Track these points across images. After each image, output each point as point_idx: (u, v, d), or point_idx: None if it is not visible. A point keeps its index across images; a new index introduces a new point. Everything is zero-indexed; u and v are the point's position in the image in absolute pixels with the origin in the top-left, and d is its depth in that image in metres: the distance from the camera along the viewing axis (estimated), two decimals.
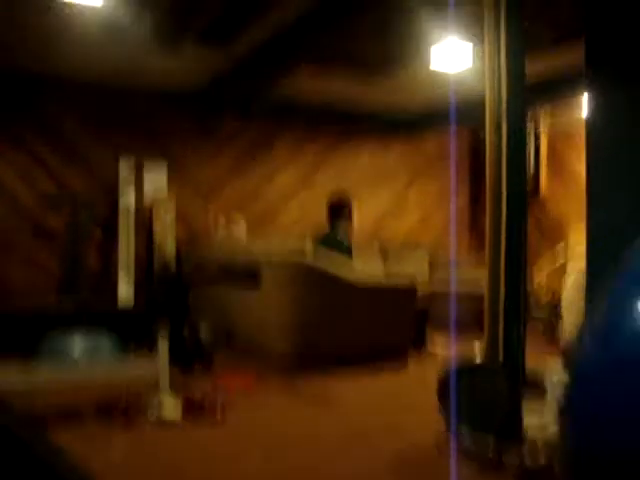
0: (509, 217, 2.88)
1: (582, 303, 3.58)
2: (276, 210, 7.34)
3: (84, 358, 4.05)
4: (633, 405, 1.30)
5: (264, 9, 4.48)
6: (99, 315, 4.53)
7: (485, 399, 2.81)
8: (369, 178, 7.89)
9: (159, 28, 4.69)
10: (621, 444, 1.30)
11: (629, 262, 1.57)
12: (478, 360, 2.95)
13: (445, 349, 5.22)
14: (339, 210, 5.33)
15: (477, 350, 3.05)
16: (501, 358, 2.83)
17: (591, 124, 3.49)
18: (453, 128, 7.46)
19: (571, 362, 1.56)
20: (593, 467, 1.38)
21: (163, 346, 3.46)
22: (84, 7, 4.34)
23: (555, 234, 7.49)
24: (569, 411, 1.53)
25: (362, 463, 2.68)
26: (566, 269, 6.07)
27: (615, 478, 1.32)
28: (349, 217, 5.34)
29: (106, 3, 4.26)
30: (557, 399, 2.99)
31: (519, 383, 2.85)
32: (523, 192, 3.07)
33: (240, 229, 6.73)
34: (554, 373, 3.36)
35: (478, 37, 4.38)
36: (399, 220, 8.14)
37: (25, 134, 6.11)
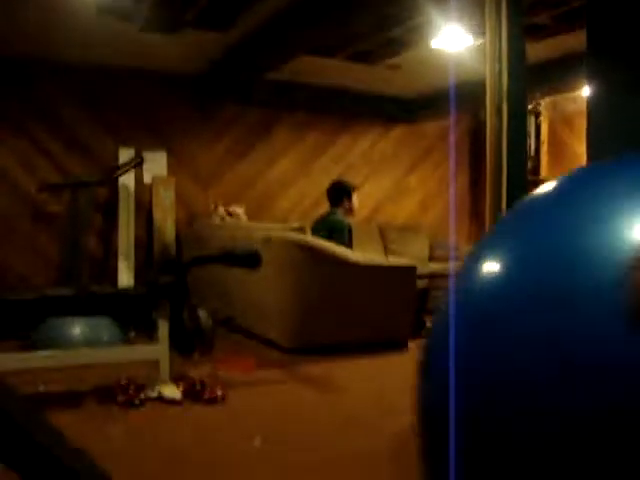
0: (509, 201, 2.88)
1: None
2: (275, 196, 7.33)
3: (84, 342, 4.07)
4: (472, 365, 1.33)
5: None
6: (99, 299, 4.53)
7: None
8: (369, 163, 7.88)
9: (157, 12, 4.66)
10: (469, 403, 1.32)
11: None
12: None
13: None
14: (340, 197, 5.32)
15: None
16: None
17: (592, 107, 3.48)
18: (453, 112, 7.44)
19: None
20: (445, 425, 1.40)
21: (163, 330, 3.47)
22: None
23: None
24: (423, 367, 1.55)
25: (362, 445, 2.69)
26: None
27: (465, 435, 1.34)
28: (350, 204, 5.33)
29: None
30: None
31: None
32: (523, 175, 3.07)
33: (240, 215, 6.72)
34: None
35: (480, 20, 4.37)
36: (399, 205, 8.13)
37: (24, 119, 6.09)
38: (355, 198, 5.38)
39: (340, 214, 5.23)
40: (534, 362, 1.21)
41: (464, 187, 8.57)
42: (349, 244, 4.99)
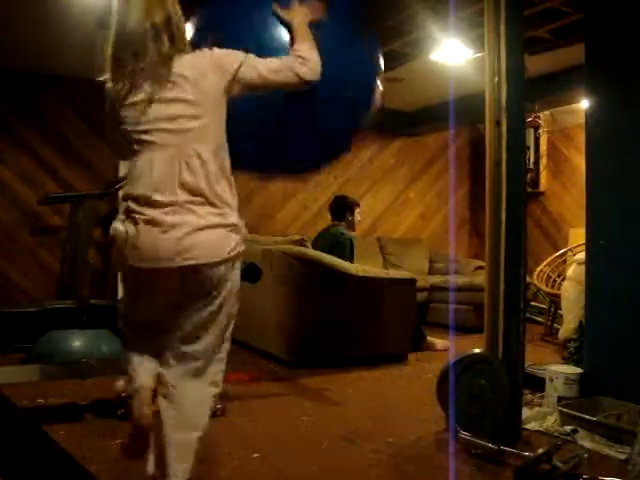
0: (508, 214, 2.89)
1: (582, 295, 3.60)
2: (275, 209, 7.31)
3: (84, 355, 4.05)
4: None
5: None
6: (99, 312, 4.53)
7: (485, 393, 2.82)
8: (369, 176, 7.88)
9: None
10: None
11: None
12: (477, 354, 2.96)
13: (445, 344, 5.22)
14: (342, 211, 5.32)
15: (477, 345, 3.06)
16: (501, 352, 2.84)
17: (591, 120, 3.50)
18: (453, 125, 7.46)
19: None
20: None
21: None
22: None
23: (556, 233, 7.52)
24: None
25: (362, 459, 2.68)
26: (566, 259, 6.10)
27: None
28: (352, 219, 5.33)
29: None
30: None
31: (519, 376, 2.86)
32: (522, 188, 3.08)
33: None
34: (553, 365, 3.38)
35: (479, 35, 4.40)
36: (399, 218, 8.13)
37: (25, 132, 6.10)
38: (357, 213, 5.38)
39: (343, 228, 5.23)
40: None
41: (464, 200, 8.58)
42: (351, 257, 4.98)
